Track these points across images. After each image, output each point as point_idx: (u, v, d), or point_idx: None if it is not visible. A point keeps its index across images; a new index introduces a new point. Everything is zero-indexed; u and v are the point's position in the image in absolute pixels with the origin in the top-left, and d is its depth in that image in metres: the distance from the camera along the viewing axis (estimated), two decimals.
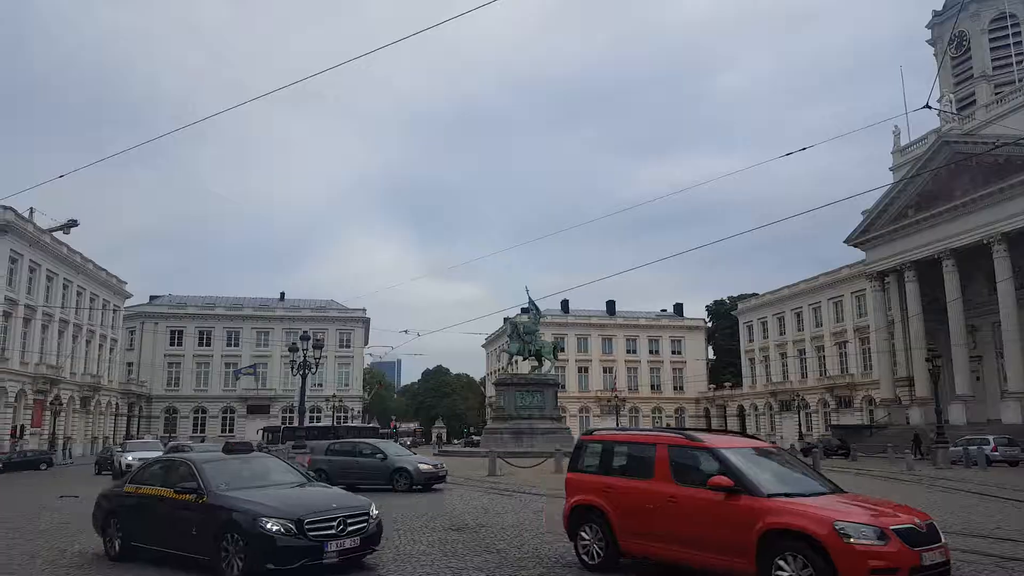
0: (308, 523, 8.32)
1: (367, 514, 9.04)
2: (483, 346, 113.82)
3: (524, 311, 58.88)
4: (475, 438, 79.46)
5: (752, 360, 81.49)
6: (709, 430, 22.67)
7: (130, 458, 27.82)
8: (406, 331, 77.00)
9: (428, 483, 21.14)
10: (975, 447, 32.89)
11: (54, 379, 53.04)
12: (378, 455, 21.86)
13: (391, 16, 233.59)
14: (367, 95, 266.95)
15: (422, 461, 22.63)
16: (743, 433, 21.74)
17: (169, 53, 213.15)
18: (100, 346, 65.16)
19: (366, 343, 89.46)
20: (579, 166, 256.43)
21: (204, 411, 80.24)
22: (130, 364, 78.34)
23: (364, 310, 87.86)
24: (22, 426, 48.72)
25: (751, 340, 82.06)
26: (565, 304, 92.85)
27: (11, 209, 47.93)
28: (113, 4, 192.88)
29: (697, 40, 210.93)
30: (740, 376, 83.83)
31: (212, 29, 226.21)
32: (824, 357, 68.99)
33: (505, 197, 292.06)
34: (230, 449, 11.02)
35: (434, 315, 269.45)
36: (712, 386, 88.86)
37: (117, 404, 69.48)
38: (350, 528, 8.64)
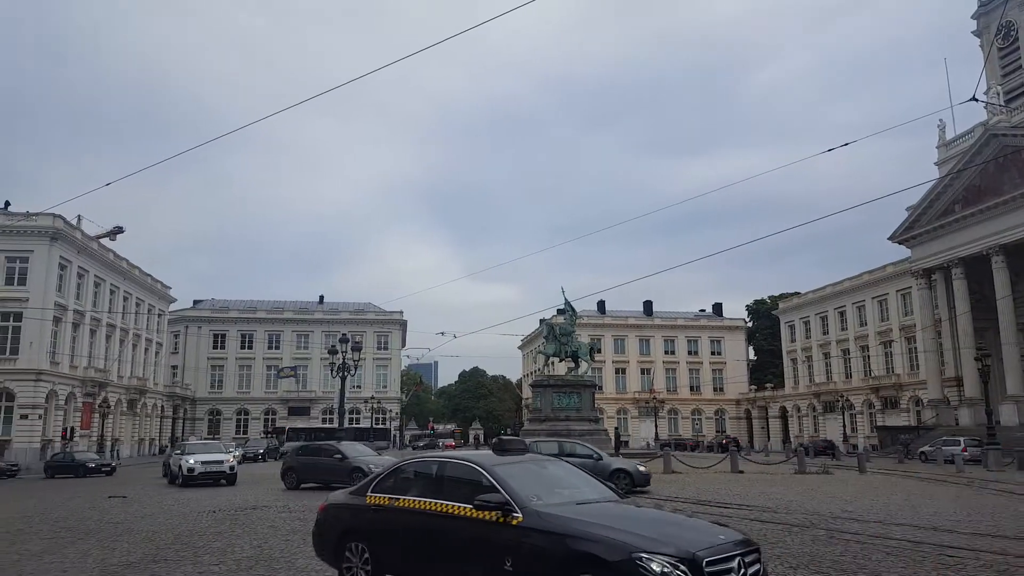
0: (707, 564, 5.44)
1: (757, 549, 6.02)
2: (519, 348, 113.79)
3: (560, 312, 58.59)
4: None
5: (794, 360, 79.97)
6: None
7: (191, 461, 25.08)
8: (442, 333, 77.88)
9: None
10: None
11: (102, 382, 54.46)
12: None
13: (426, 20, 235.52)
14: (403, 99, 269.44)
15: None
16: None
17: (210, 63, 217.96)
18: (146, 350, 66.73)
19: (403, 345, 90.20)
20: (615, 166, 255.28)
21: (247, 413, 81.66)
22: (175, 367, 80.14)
23: (401, 312, 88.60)
24: (72, 428, 50.11)
25: (793, 340, 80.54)
26: (601, 305, 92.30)
27: (60, 217, 49.35)
28: (154, 17, 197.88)
29: (733, 35, 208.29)
30: (782, 377, 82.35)
31: (250, 38, 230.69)
32: (869, 357, 67.36)
33: (541, 198, 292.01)
34: (504, 447, 7.68)
35: (470, 317, 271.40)
36: (753, 387, 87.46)
37: (162, 406, 71.08)
38: (750, 571, 5.74)
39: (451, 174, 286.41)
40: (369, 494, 7.56)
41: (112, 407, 56.47)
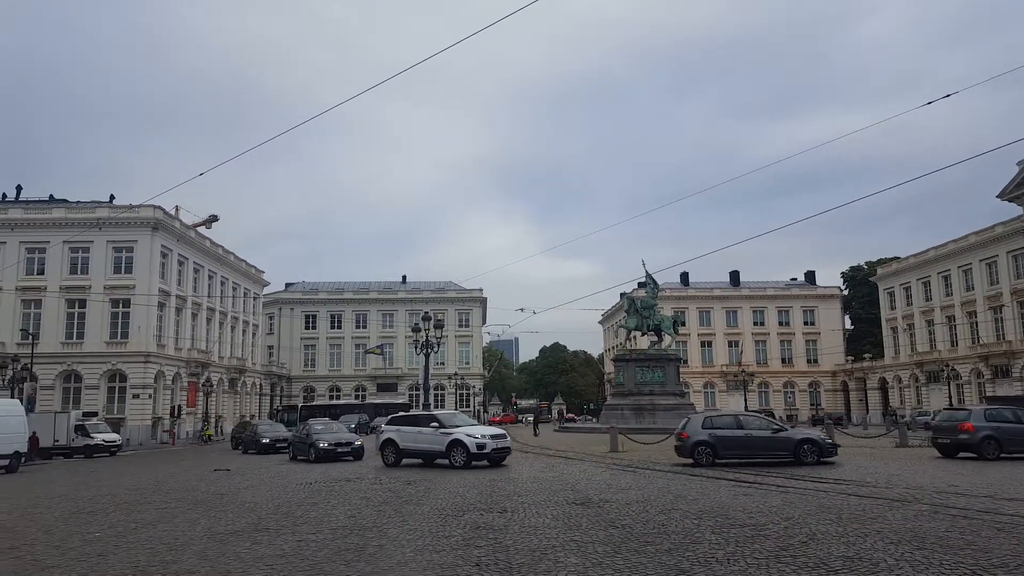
0: None
1: None
2: (600, 322, 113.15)
3: (641, 286, 57.91)
4: (585, 419, 79.11)
5: (894, 329, 76.15)
6: None
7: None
8: (521, 309, 78.69)
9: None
10: None
11: (205, 363, 57.58)
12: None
13: None
14: (480, 77, 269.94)
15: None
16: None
17: (298, 53, 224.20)
18: (243, 331, 70.03)
19: (484, 322, 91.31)
20: (700, 133, 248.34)
21: (338, 389, 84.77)
22: (270, 347, 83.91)
23: (481, 290, 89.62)
24: (179, 406, 53.33)
25: (893, 307, 76.64)
26: (685, 277, 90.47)
27: (160, 208, 52.14)
28: (245, 11, 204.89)
29: None
30: (881, 346, 78.63)
31: (336, 28, 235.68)
32: (976, 323, 63.42)
33: (621, 170, 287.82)
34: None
35: (550, 293, 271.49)
36: (850, 358, 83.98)
37: (260, 384, 74.57)
38: None
39: (529, 150, 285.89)
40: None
41: (215, 386, 59.67)
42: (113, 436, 39.28)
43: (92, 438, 37.21)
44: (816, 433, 22.12)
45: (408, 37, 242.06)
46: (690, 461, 19.91)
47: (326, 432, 27.12)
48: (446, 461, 21.12)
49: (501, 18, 12.84)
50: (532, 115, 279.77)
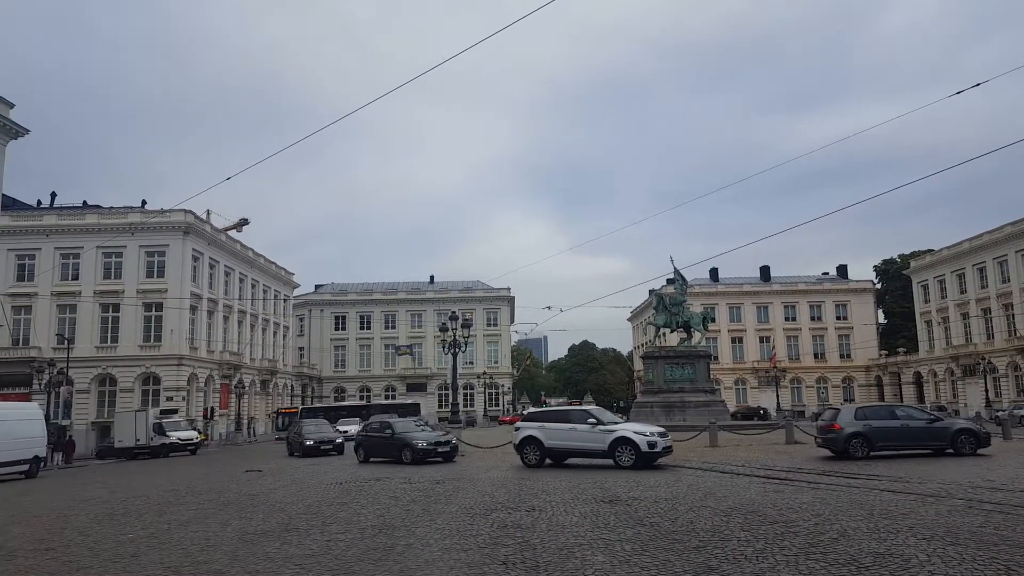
0: None
1: None
2: (628, 320, 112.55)
3: (669, 282, 57.40)
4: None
5: (929, 322, 74.65)
6: None
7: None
8: (548, 307, 78.20)
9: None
10: None
11: (237, 364, 58.41)
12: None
13: None
14: (504, 77, 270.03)
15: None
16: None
17: (324, 57, 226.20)
18: (274, 333, 70.93)
19: (512, 321, 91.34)
20: (727, 127, 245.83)
21: (368, 390, 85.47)
22: (301, 348, 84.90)
23: (508, 289, 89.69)
24: (213, 408, 54.15)
25: (927, 301, 75.14)
26: (714, 273, 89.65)
27: (191, 212, 52.99)
28: (271, 15, 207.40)
29: None
30: (915, 340, 77.12)
31: (360, 30, 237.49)
32: (1013, 316, 61.90)
33: (648, 166, 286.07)
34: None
35: (578, 291, 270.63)
36: (884, 352, 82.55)
37: (292, 386, 75.49)
38: None
39: (555, 148, 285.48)
40: None
41: (247, 387, 60.53)
42: (190, 434, 39.01)
43: (167, 437, 37.24)
44: (971, 423, 21.82)
45: (432, 39, 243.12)
46: (831, 454, 19.49)
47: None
48: (607, 461, 19.28)
49: (524, 16, 12.84)
50: (557, 113, 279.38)
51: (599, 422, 19.74)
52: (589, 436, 19.58)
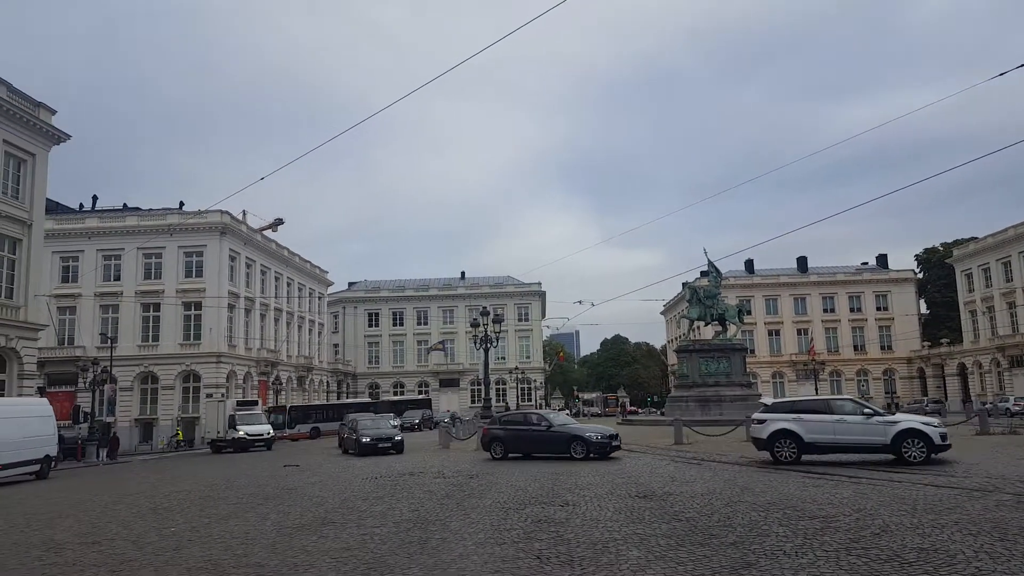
0: None
1: None
2: (662, 313, 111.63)
3: (703, 275, 56.77)
4: (648, 411, 78.33)
5: (973, 312, 72.64)
6: None
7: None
8: (580, 302, 77.96)
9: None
10: None
11: (274, 361, 59.32)
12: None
13: None
14: (535, 72, 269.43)
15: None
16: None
17: (352, 58, 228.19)
18: (310, 330, 71.86)
19: (543, 316, 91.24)
20: (762, 116, 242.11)
21: (402, 385, 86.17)
22: (336, 345, 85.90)
23: (539, 284, 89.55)
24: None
25: (971, 290, 73.12)
26: (749, 264, 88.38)
27: (227, 213, 53.89)
28: (302, 16, 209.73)
29: None
30: (959, 331, 75.13)
31: (392, 30, 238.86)
32: None
33: (681, 157, 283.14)
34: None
35: (611, 285, 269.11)
36: (926, 343, 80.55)
37: (327, 382, 76.40)
38: None
39: (586, 141, 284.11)
40: None
41: (284, 384, 61.40)
42: (260, 428, 37.77)
43: (236, 431, 36.73)
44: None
45: (460, 36, 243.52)
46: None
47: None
48: (889, 456, 16.93)
49: (551, 8, 12.74)
50: (588, 105, 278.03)
51: (874, 412, 17.62)
52: (865, 428, 17.04)
